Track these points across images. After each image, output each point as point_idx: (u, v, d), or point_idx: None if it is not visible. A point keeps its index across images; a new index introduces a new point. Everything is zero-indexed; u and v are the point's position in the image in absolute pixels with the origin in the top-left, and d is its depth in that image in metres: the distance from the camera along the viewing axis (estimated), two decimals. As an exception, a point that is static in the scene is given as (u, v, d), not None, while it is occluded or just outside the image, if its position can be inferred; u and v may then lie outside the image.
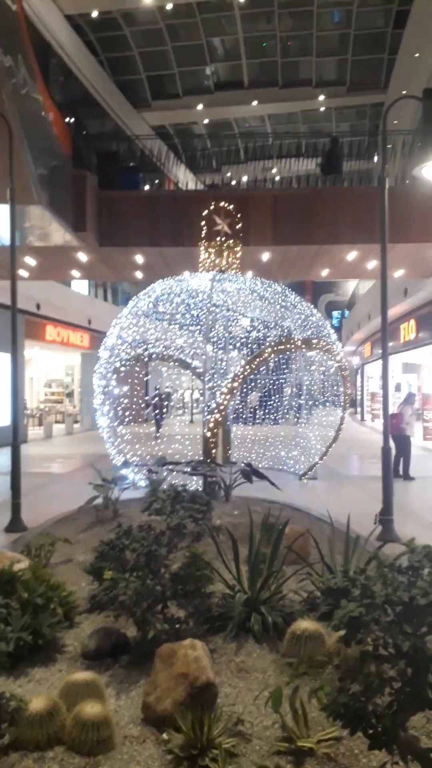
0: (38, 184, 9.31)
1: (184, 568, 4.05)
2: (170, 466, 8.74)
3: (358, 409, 33.23)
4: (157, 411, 20.01)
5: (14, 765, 2.76)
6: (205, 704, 2.98)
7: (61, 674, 3.63)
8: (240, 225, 10.93)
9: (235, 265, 10.92)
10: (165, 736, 2.93)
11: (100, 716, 2.89)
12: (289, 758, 2.81)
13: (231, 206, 10.88)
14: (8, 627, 3.06)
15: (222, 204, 10.87)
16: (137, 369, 13.56)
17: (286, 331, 10.67)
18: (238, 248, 10.91)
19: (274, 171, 28.33)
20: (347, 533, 4.63)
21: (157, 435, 18.06)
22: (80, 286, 25.56)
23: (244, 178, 26.25)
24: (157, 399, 20.44)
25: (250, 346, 11.98)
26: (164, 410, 21.73)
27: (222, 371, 12.01)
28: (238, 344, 12.49)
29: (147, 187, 17.09)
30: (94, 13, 20.01)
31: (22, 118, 8.66)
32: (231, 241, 10.86)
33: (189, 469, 8.39)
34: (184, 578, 4.01)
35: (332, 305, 44.69)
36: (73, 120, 19.49)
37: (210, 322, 10.14)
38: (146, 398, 22.10)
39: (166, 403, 22.72)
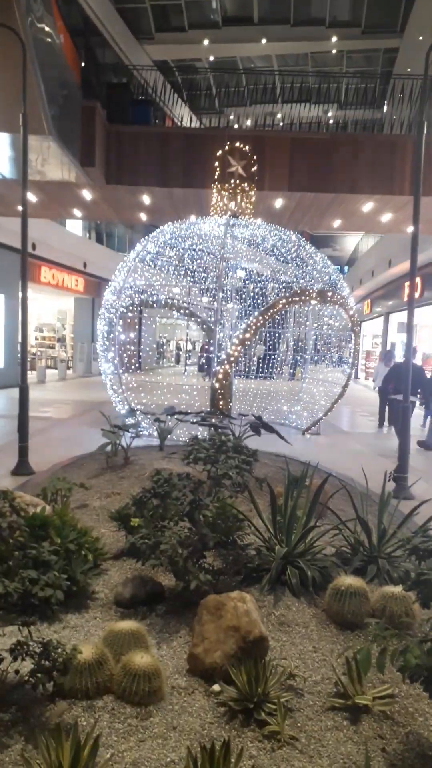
0: (49, 114, 8.74)
1: (217, 517, 3.94)
2: (178, 416, 8.60)
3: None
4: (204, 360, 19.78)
5: (63, 713, 2.67)
6: (257, 658, 2.90)
7: (95, 621, 3.54)
8: (255, 168, 10.46)
9: (248, 210, 10.51)
10: (216, 687, 2.86)
11: (151, 666, 2.80)
12: (345, 714, 2.75)
13: (247, 147, 10.39)
14: (51, 573, 2.91)
15: (238, 144, 10.37)
16: (145, 315, 13.28)
17: (292, 282, 10.40)
18: (253, 192, 10.48)
19: (279, 116, 27.29)
20: (383, 490, 4.53)
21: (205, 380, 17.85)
22: (74, 227, 24.75)
23: (248, 122, 25.27)
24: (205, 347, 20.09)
25: (252, 298, 11.70)
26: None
27: (229, 322, 11.77)
28: (246, 295, 12.17)
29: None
30: None
31: (35, 40, 8.04)
32: (245, 184, 10.41)
33: (197, 419, 8.24)
34: (217, 527, 3.90)
35: (330, 261, 44.02)
36: (79, 47, 18.41)
37: (222, 270, 9.82)
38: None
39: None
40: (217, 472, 3.48)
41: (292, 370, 16.92)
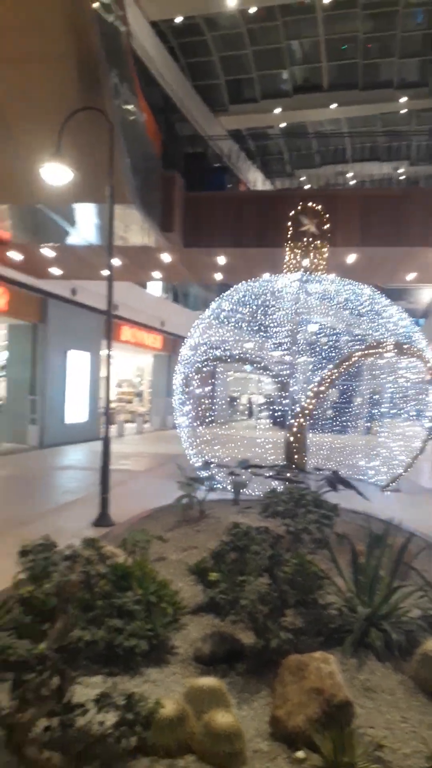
0: (133, 185, 9.38)
1: (295, 574, 3.87)
2: (253, 470, 8.58)
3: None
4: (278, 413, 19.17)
5: (145, 770, 2.65)
6: (342, 724, 2.79)
7: (175, 677, 3.52)
8: (327, 225, 10.68)
9: (321, 267, 10.67)
10: (300, 754, 2.75)
11: (233, 727, 2.74)
12: (439, 792, 2.57)
13: (319, 206, 10.65)
14: (135, 623, 2.95)
15: (310, 204, 10.66)
16: (219, 370, 13.57)
17: (366, 335, 10.34)
18: (325, 249, 10.66)
19: (349, 175, 27.83)
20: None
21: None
22: (153, 288, 25.88)
23: (319, 182, 25.93)
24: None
25: (326, 351, 11.69)
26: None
27: (303, 375, 11.77)
28: (314, 349, 12.19)
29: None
30: (178, 19, 20.24)
31: (122, 120, 8.76)
32: (318, 241, 10.62)
33: (272, 473, 8.20)
34: (297, 584, 3.82)
35: (405, 313, 43.21)
36: (159, 122, 19.76)
37: (296, 325, 9.93)
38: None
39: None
40: (297, 526, 3.44)
41: (368, 424, 16.52)
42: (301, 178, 29.12)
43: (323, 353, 11.86)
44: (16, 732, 2.52)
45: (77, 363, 18.31)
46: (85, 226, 11.07)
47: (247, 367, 12.33)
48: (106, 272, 8.29)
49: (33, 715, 2.52)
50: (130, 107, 9.42)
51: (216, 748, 2.69)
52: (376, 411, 13.95)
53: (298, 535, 3.55)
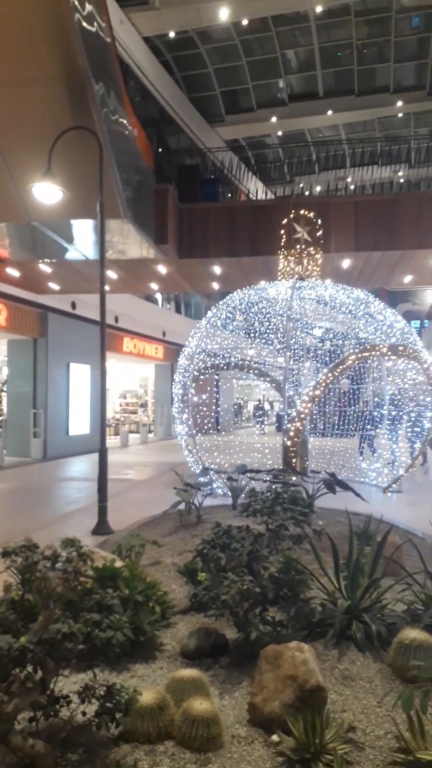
0: (124, 200, 9.59)
1: (281, 572, 4.00)
2: (250, 474, 8.70)
3: None
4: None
5: (126, 756, 2.78)
6: (314, 708, 2.90)
7: (162, 672, 3.65)
8: (320, 232, 10.85)
9: (315, 273, 10.83)
10: (275, 737, 2.88)
11: (210, 713, 2.87)
12: (406, 770, 2.68)
13: (311, 213, 10.83)
14: (114, 616, 3.08)
15: (302, 211, 10.84)
16: (216, 377, 13.71)
17: (369, 339, 10.46)
18: (319, 255, 10.82)
19: (348, 180, 28.00)
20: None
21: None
22: (155, 299, 26.14)
23: (317, 189, 26.11)
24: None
25: (328, 356, 11.84)
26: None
27: (299, 381, 11.92)
28: (314, 354, 12.36)
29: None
30: (171, 34, 20.58)
31: (111, 136, 8.98)
32: (311, 248, 10.79)
33: (269, 478, 8.30)
34: (281, 581, 3.95)
35: (410, 315, 43.16)
36: (152, 136, 20.06)
37: (290, 331, 10.07)
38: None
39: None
40: (274, 524, 3.58)
41: (370, 428, 16.51)
42: (300, 185, 29.31)
43: (321, 358, 12.02)
44: (1, 722, 2.66)
45: (79, 375, 18.54)
46: (81, 241, 11.29)
47: (249, 374, 12.50)
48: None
49: (16, 706, 2.66)
50: (119, 122, 9.65)
51: (194, 732, 2.82)
52: (381, 413, 14.01)
53: (277, 532, 3.67)
